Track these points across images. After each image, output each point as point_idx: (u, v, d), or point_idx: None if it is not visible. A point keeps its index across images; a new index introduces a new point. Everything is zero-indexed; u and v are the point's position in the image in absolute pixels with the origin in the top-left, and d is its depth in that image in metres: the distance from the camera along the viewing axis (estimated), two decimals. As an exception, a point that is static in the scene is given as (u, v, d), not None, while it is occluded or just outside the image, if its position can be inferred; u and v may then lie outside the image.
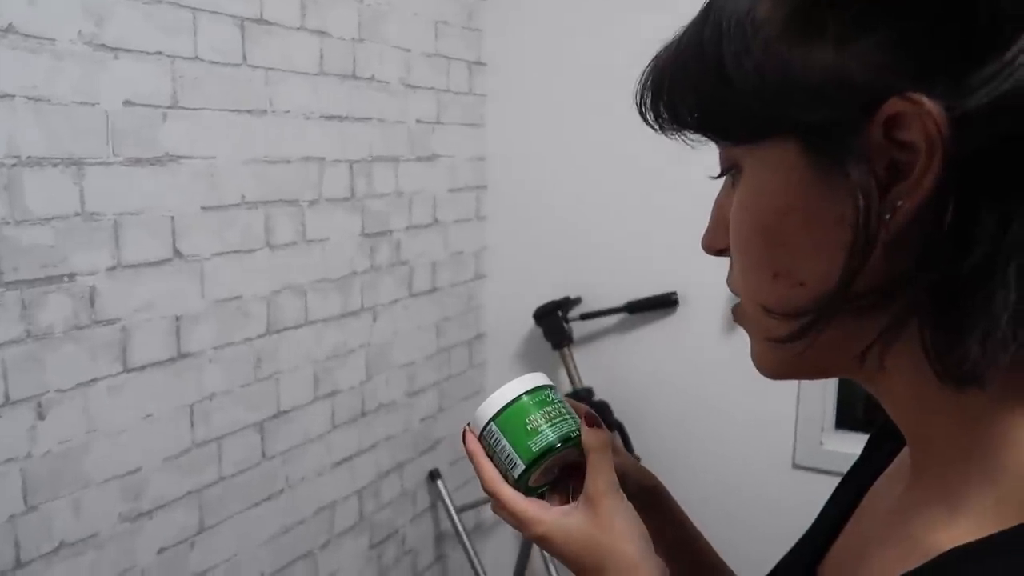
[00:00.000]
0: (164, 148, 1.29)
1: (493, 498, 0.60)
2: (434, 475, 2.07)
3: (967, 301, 0.33)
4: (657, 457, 2.08)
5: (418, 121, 1.91)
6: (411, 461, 2.01)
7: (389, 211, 1.84)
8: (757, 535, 1.91)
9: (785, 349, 0.41)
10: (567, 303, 2.11)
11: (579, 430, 0.61)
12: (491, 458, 0.61)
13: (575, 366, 2.09)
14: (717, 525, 2.00)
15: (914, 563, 0.36)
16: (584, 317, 2.10)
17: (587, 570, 0.55)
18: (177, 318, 1.34)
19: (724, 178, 0.45)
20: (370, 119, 1.75)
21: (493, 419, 0.61)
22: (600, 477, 0.56)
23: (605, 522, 0.54)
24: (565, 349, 2.08)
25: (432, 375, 2.07)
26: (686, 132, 0.43)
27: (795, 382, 1.86)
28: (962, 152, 0.32)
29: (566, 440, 0.59)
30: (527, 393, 0.61)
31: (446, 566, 2.20)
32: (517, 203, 2.22)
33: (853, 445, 1.92)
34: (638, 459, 2.00)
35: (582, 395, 2.04)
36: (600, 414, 1.98)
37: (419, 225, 1.95)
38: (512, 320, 2.24)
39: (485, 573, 2.05)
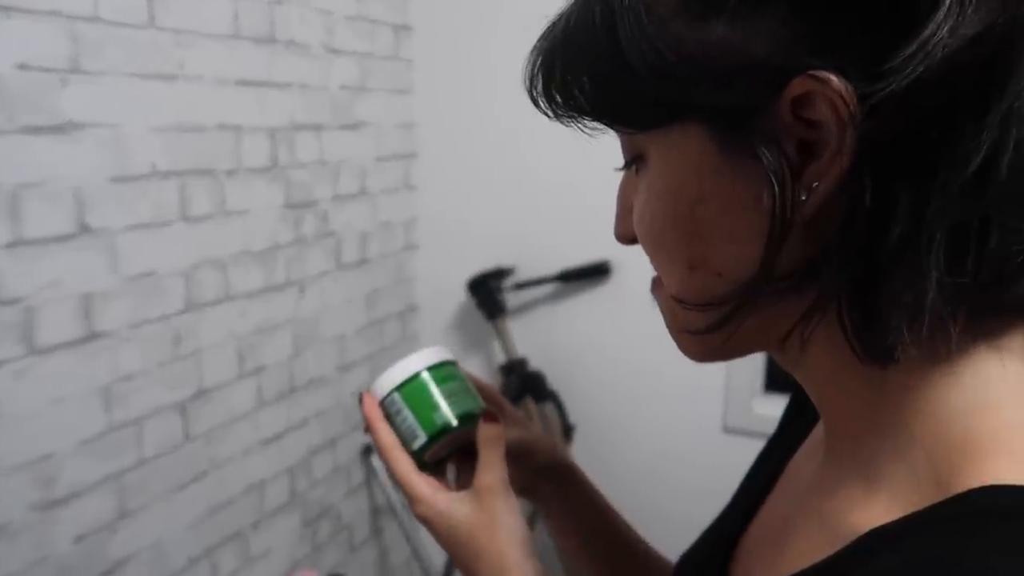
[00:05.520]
0: (65, 115, 1.21)
1: (387, 464, 0.58)
2: (368, 450, 2.04)
3: (889, 279, 0.32)
4: (592, 425, 2.10)
5: (342, 87, 1.85)
6: (344, 436, 1.97)
7: (313, 181, 1.78)
8: (689, 498, 1.95)
9: (705, 339, 0.40)
10: (500, 273, 2.09)
11: (481, 410, 0.59)
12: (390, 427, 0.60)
13: (510, 336, 2.07)
14: (650, 490, 2.04)
15: (833, 546, 0.35)
16: (518, 287, 2.08)
17: (460, 563, 0.54)
18: (86, 296, 1.27)
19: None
20: (290, 85, 1.68)
21: (397, 389, 0.59)
22: (490, 472, 0.55)
23: (487, 520, 0.53)
24: (499, 319, 2.07)
25: (363, 348, 2.03)
26: (583, 119, 0.40)
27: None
28: (879, 134, 0.31)
29: (468, 418, 0.58)
30: (434, 367, 0.60)
31: (382, 540, 2.18)
32: (448, 172, 2.18)
33: (783, 408, 1.96)
34: (573, 427, 2.02)
35: (516, 365, 2.04)
36: (535, 384, 2.00)
37: (346, 195, 1.90)
38: (445, 291, 2.21)
39: (421, 546, 2.04)
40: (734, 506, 0.55)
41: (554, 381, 2.05)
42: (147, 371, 1.39)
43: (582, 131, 0.41)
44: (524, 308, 2.16)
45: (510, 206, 2.12)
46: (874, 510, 0.35)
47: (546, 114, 0.41)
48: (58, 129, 1.20)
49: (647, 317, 2.38)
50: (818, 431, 0.49)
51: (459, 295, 2.17)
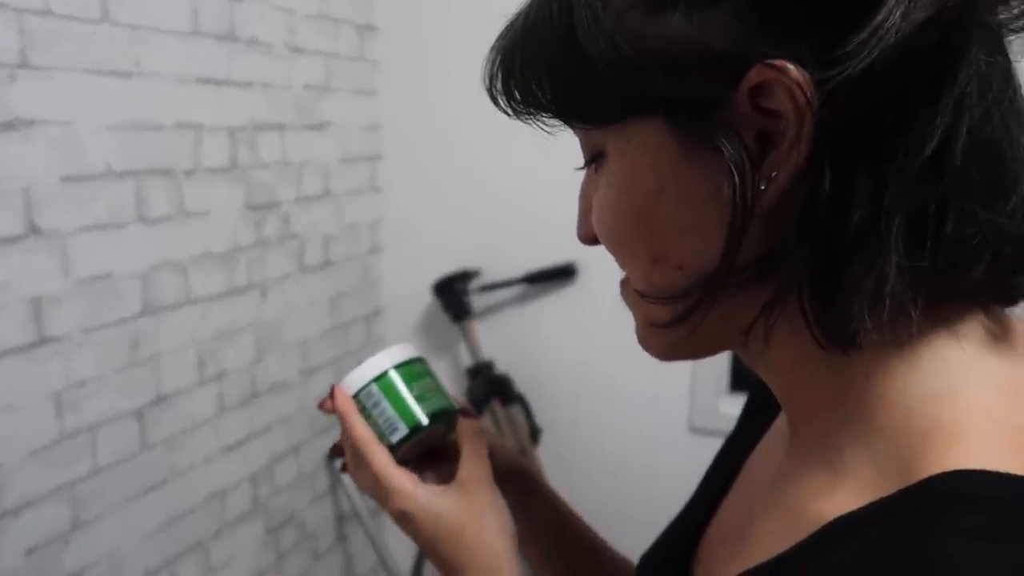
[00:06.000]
0: (13, 111, 1.17)
1: (364, 458, 0.56)
2: (333, 456, 2.01)
3: (849, 265, 0.33)
4: (559, 426, 2.09)
5: (305, 87, 1.82)
6: (307, 443, 1.94)
7: (275, 182, 1.75)
8: (656, 498, 1.94)
9: (670, 333, 0.39)
10: (466, 275, 2.07)
11: (455, 408, 0.59)
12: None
13: (476, 339, 2.06)
14: (617, 490, 2.04)
15: (797, 535, 0.35)
16: (484, 289, 2.07)
17: (444, 559, 0.52)
18: (36, 299, 1.23)
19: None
20: (252, 84, 1.65)
21: (375, 380, 0.57)
22: (477, 465, 0.54)
23: (476, 512, 0.52)
24: (465, 322, 2.05)
25: (328, 352, 2.00)
26: (542, 116, 0.40)
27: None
28: (836, 120, 0.31)
29: (445, 414, 0.58)
30: (410, 362, 0.59)
31: (347, 548, 2.15)
32: (413, 173, 2.15)
33: (747, 407, 1.97)
34: (540, 429, 2.01)
35: (483, 368, 2.02)
36: (502, 387, 1.99)
37: (309, 196, 1.87)
38: (410, 294, 2.19)
39: (387, 553, 2.01)
40: (695, 504, 0.55)
41: (521, 383, 2.04)
42: (102, 377, 1.35)
43: (542, 128, 0.41)
44: (490, 310, 2.14)
45: (476, 208, 2.10)
46: (839, 497, 0.35)
47: (505, 112, 0.41)
48: (6, 126, 1.16)
49: (614, 318, 2.40)
50: (778, 425, 0.49)
51: (425, 298, 2.14)
